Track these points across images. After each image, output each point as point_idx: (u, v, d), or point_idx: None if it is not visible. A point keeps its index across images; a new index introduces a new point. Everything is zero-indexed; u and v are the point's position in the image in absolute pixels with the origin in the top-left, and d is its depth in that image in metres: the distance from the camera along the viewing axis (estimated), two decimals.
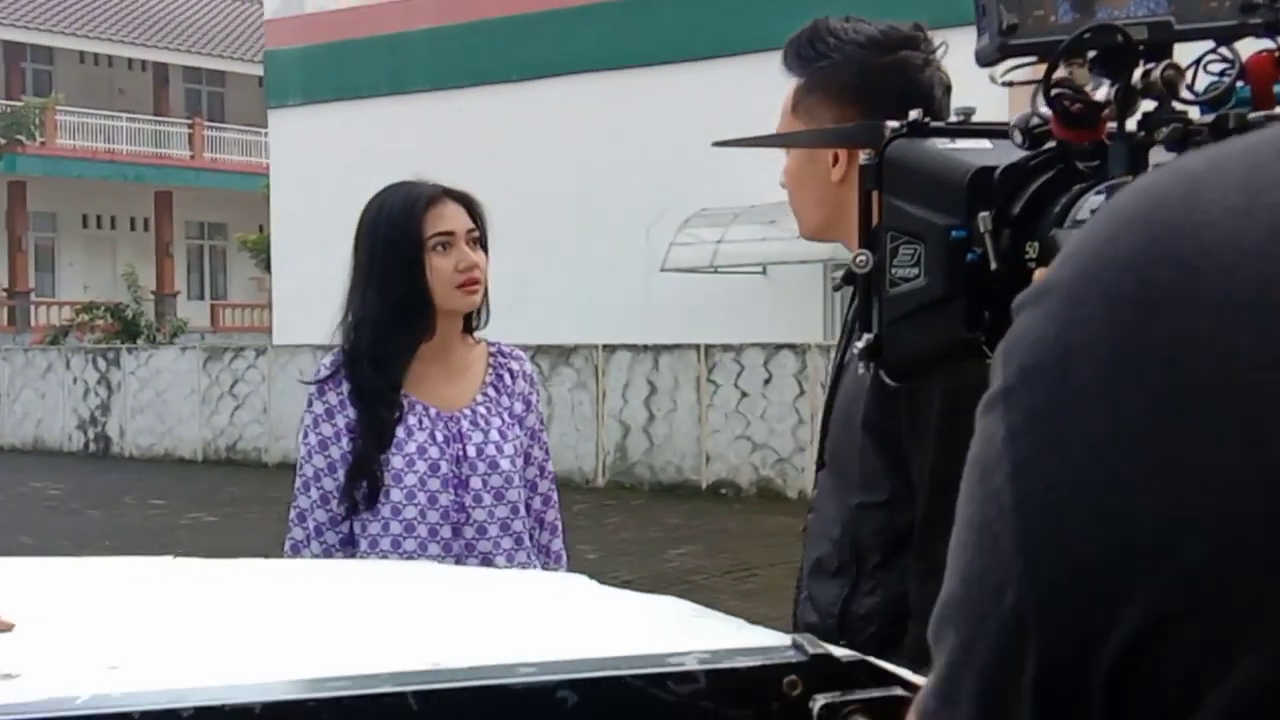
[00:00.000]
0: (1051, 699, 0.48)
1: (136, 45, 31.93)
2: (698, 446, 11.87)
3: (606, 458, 12.38)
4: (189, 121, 32.98)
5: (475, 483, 2.45)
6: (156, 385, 15.70)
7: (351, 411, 2.45)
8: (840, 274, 1.94)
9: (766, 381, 11.52)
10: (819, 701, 0.84)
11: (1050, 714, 0.48)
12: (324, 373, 2.48)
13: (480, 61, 14.96)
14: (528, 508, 2.53)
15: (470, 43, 15.21)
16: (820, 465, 1.96)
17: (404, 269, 2.42)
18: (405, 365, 2.45)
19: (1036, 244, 0.92)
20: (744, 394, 11.62)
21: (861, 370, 1.05)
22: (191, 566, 1.46)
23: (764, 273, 13.14)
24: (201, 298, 33.27)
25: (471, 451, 2.46)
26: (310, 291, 15.59)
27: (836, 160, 1.86)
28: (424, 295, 2.43)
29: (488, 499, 2.45)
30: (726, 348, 11.76)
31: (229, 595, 1.31)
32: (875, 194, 1.04)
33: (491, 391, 2.53)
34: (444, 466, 2.44)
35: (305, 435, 2.49)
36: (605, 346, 12.33)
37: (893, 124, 1.03)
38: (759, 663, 0.86)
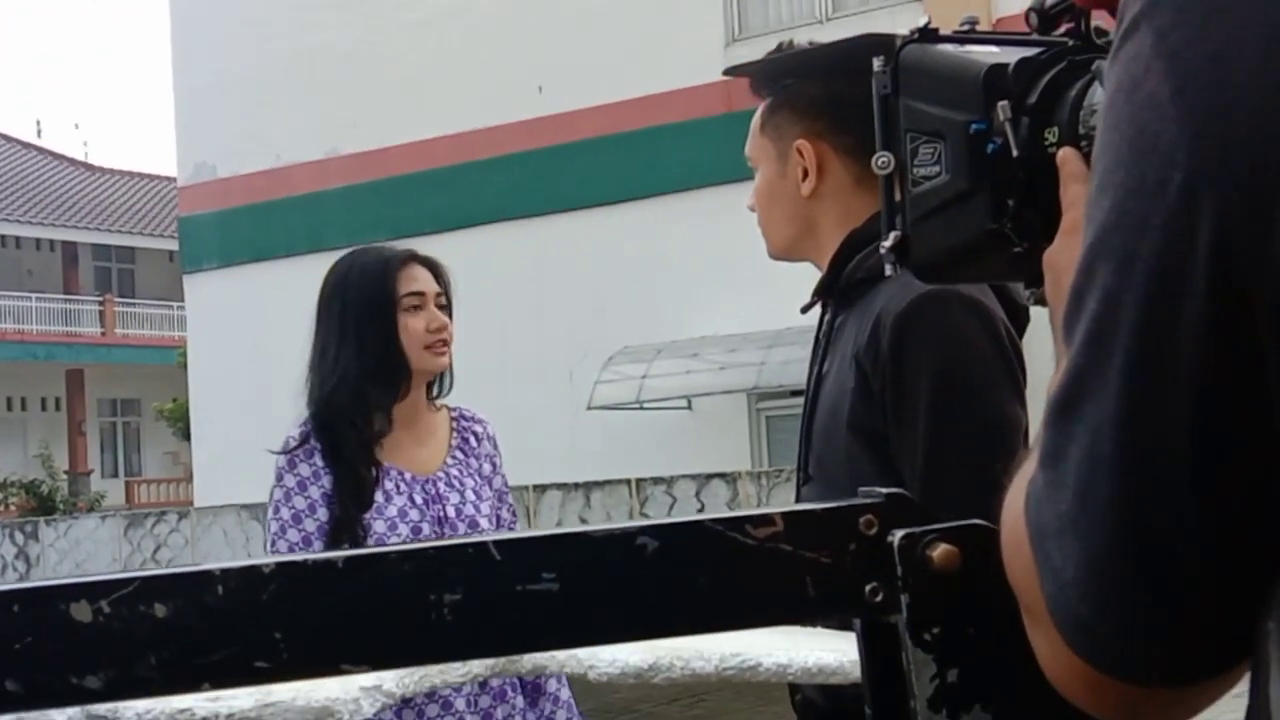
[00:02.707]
0: (1230, 268, 0.48)
1: (44, 225, 31.80)
2: None
3: None
4: (99, 299, 32.77)
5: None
6: (76, 556, 15.35)
7: (327, 481, 2.42)
8: (806, 302, 1.98)
9: (699, 512, 11.48)
10: (897, 535, 0.84)
11: (1227, 288, 0.48)
12: (293, 443, 2.45)
13: (395, 215, 15.05)
14: None
15: (385, 198, 15.32)
16: (803, 482, 1.96)
17: (380, 327, 2.43)
18: (388, 420, 2.44)
19: (1055, 129, 0.95)
20: None
21: (889, 270, 1.07)
22: None
23: (689, 406, 13.20)
24: (116, 475, 32.71)
25: (451, 512, 2.45)
26: (232, 453, 15.44)
27: (806, 175, 1.90)
28: (399, 354, 2.43)
29: None
30: (657, 480, 11.75)
31: None
32: (889, 99, 1.07)
33: (460, 454, 2.54)
34: (426, 529, 2.42)
35: (276, 511, 2.44)
36: (535, 487, 12.27)
37: (903, 33, 1.07)
38: (836, 505, 0.86)
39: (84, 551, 15.39)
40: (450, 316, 2.54)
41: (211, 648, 0.76)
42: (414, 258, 2.52)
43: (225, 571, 0.78)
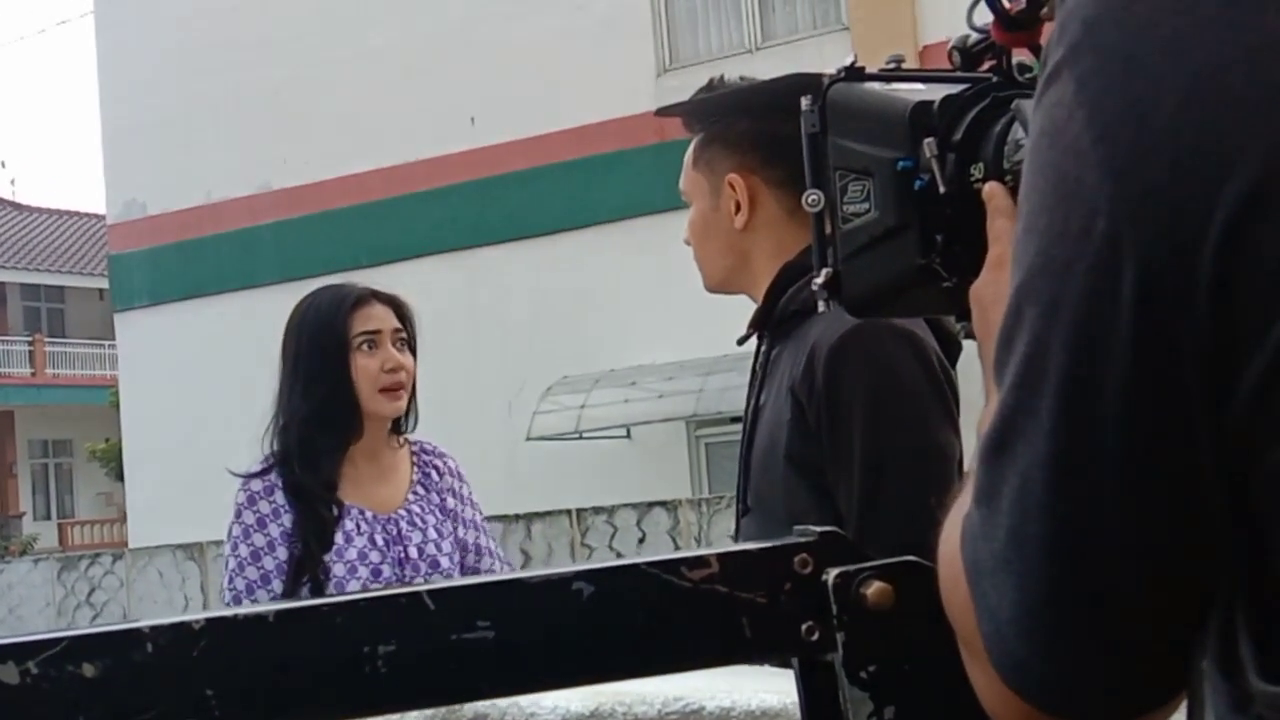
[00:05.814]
0: (1153, 312, 0.49)
1: None
2: None
3: None
4: (29, 339, 32.31)
5: (418, 584, 2.40)
6: (9, 601, 15.10)
7: (286, 519, 2.38)
8: (742, 334, 1.99)
9: (641, 540, 11.49)
10: (832, 574, 0.84)
11: (1152, 332, 0.48)
12: (255, 469, 2.43)
13: (329, 250, 14.97)
14: None
15: (318, 232, 15.23)
16: (742, 514, 1.96)
17: (329, 368, 2.40)
18: (336, 465, 2.41)
19: (981, 165, 0.96)
20: (619, 555, 11.56)
21: (822, 307, 1.07)
22: None
23: (628, 435, 13.20)
24: (48, 517, 32.19)
25: (413, 552, 2.42)
26: (166, 493, 15.26)
27: (739, 209, 1.92)
28: (349, 395, 2.40)
29: None
30: (598, 510, 11.73)
31: None
32: (817, 137, 1.08)
33: (421, 490, 2.51)
34: (387, 570, 2.39)
35: (234, 548, 2.40)
36: None
37: (830, 72, 1.08)
38: (770, 544, 0.86)
39: (17, 596, 15.14)
40: (414, 354, 2.52)
41: (142, 707, 0.75)
42: (374, 295, 2.50)
43: (154, 629, 0.77)
